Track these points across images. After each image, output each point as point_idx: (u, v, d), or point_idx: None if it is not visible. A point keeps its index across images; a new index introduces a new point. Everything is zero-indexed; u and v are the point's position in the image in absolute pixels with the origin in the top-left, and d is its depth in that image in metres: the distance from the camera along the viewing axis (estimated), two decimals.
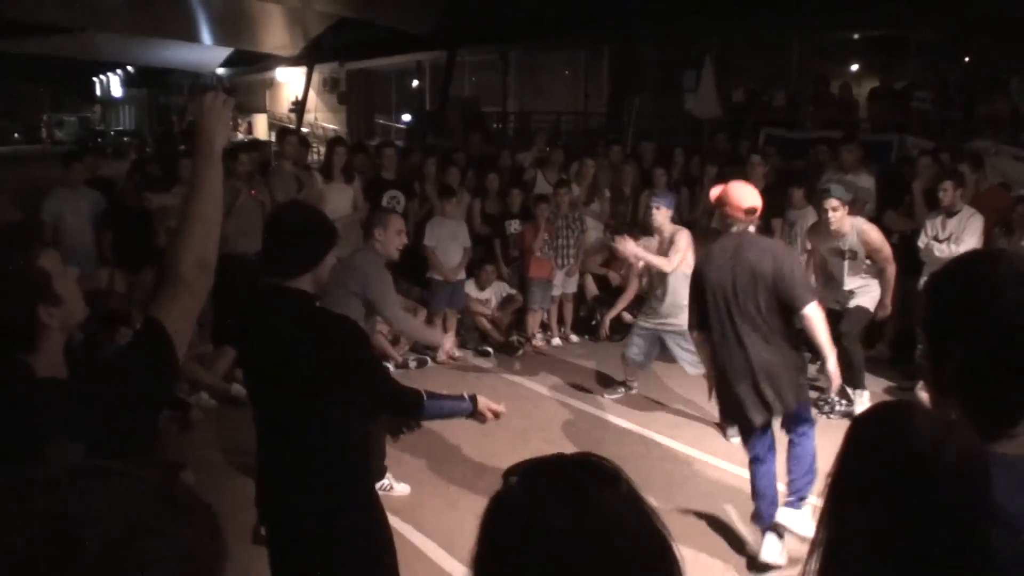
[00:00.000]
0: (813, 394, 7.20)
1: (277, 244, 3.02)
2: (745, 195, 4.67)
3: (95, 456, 1.66)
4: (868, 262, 6.84)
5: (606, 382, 7.84)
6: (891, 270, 6.80)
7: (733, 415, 4.88)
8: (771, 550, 4.55)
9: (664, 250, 6.92)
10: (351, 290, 4.92)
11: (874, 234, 6.73)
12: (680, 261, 6.67)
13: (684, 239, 6.83)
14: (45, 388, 1.80)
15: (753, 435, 4.69)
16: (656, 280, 7.10)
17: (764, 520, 4.64)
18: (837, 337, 7.29)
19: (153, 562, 0.77)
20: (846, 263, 6.89)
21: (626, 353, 7.38)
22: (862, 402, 6.84)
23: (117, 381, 1.88)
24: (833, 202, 6.59)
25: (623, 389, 7.59)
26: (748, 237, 4.65)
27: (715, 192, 4.86)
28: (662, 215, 7.06)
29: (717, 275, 4.59)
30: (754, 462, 4.71)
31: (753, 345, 4.52)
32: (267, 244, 3.05)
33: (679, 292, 6.39)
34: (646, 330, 7.19)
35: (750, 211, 4.63)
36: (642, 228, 8.06)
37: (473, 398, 3.29)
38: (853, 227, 6.73)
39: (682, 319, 6.04)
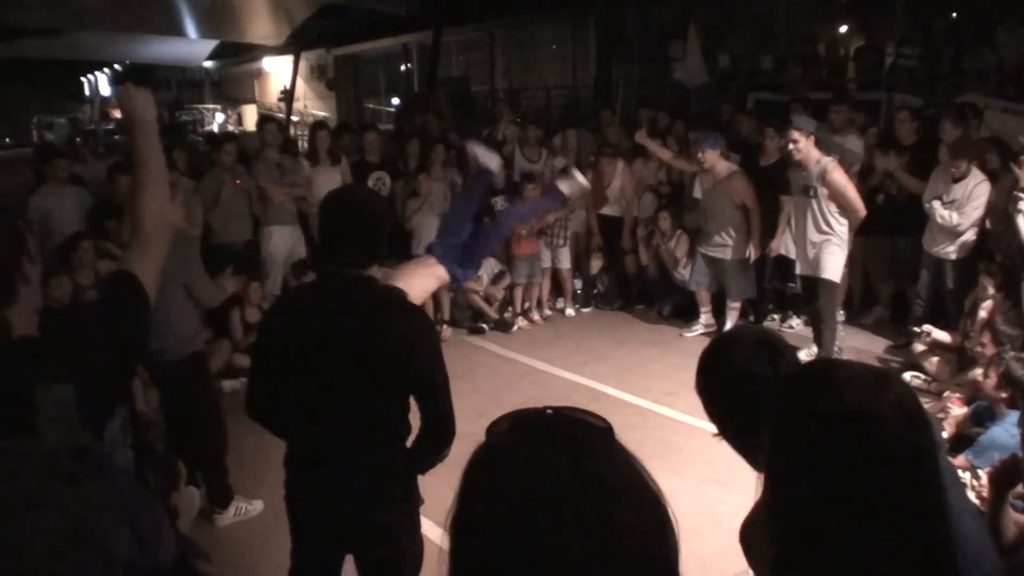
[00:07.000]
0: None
1: (350, 233, 2.78)
2: None
3: (85, 396, 1.77)
4: (832, 208, 6.64)
5: (600, 355, 7.83)
6: (856, 218, 6.64)
7: None
8: None
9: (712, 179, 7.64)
10: (175, 280, 4.60)
11: (837, 175, 6.56)
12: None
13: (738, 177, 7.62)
14: (24, 340, 1.86)
15: None
16: (707, 211, 7.85)
17: None
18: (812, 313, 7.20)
19: (41, 531, 0.77)
20: (808, 203, 6.70)
21: (692, 288, 8.24)
22: None
23: (95, 326, 1.97)
24: (793, 133, 6.56)
25: (700, 323, 8.33)
26: None
27: None
28: (711, 156, 7.48)
29: None
30: None
31: None
32: (335, 231, 2.80)
33: (720, 218, 7.70)
34: (704, 257, 8.01)
35: None
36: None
37: None
38: (819, 163, 6.59)
39: (728, 241, 7.71)
